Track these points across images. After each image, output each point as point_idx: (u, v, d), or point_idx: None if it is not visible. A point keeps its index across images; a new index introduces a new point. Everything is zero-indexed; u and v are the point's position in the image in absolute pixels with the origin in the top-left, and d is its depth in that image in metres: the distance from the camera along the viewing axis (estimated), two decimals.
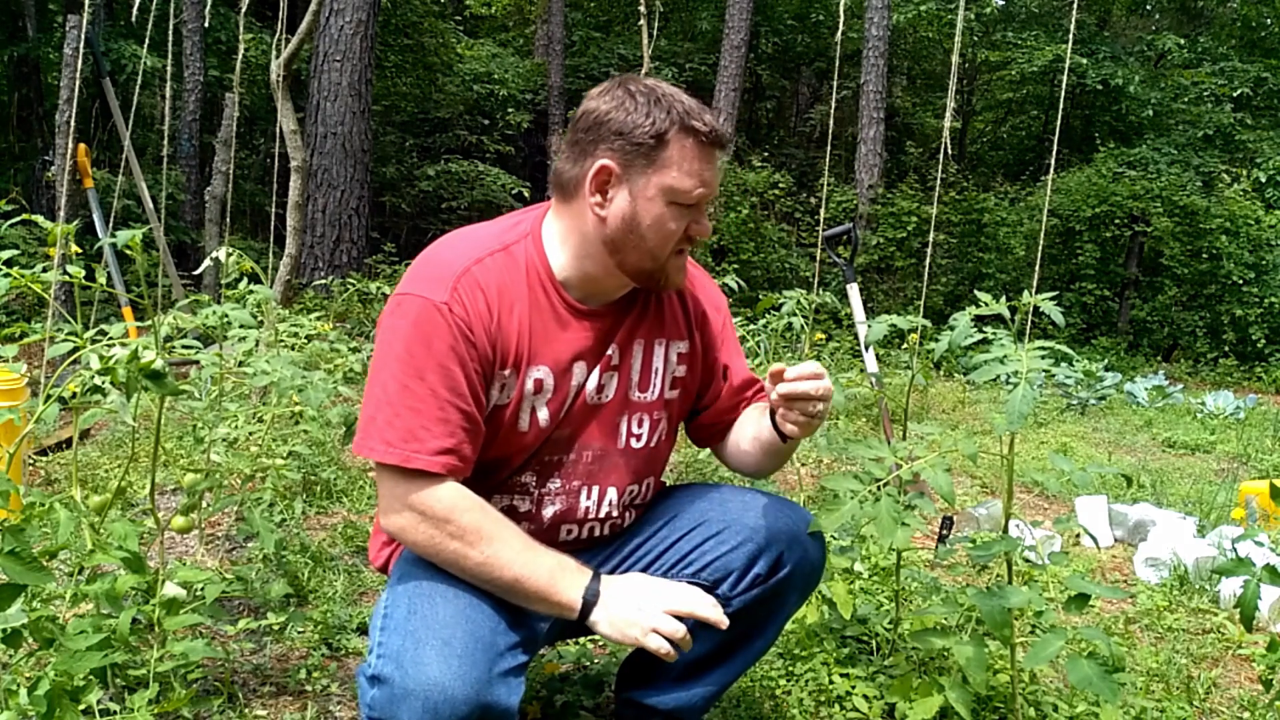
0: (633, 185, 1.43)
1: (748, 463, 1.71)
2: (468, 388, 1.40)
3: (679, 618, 1.39)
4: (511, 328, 1.45)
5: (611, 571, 1.64)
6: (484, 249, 1.47)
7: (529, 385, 1.48)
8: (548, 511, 1.56)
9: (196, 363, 2.36)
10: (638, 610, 1.38)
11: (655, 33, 4.74)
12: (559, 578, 1.39)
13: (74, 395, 1.70)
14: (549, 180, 1.53)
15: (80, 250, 2.11)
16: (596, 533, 1.62)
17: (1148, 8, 17.98)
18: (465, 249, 1.46)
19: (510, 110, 13.98)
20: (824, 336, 7.49)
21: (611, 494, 1.60)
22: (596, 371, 1.53)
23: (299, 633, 2.24)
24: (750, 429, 1.69)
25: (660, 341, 1.60)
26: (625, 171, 1.42)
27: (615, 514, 1.62)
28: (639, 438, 1.60)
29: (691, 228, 1.47)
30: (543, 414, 1.50)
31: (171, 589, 1.87)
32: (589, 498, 1.58)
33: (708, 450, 1.85)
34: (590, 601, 1.39)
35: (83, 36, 5.01)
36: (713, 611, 1.40)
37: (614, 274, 1.49)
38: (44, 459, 3.52)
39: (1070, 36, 2.89)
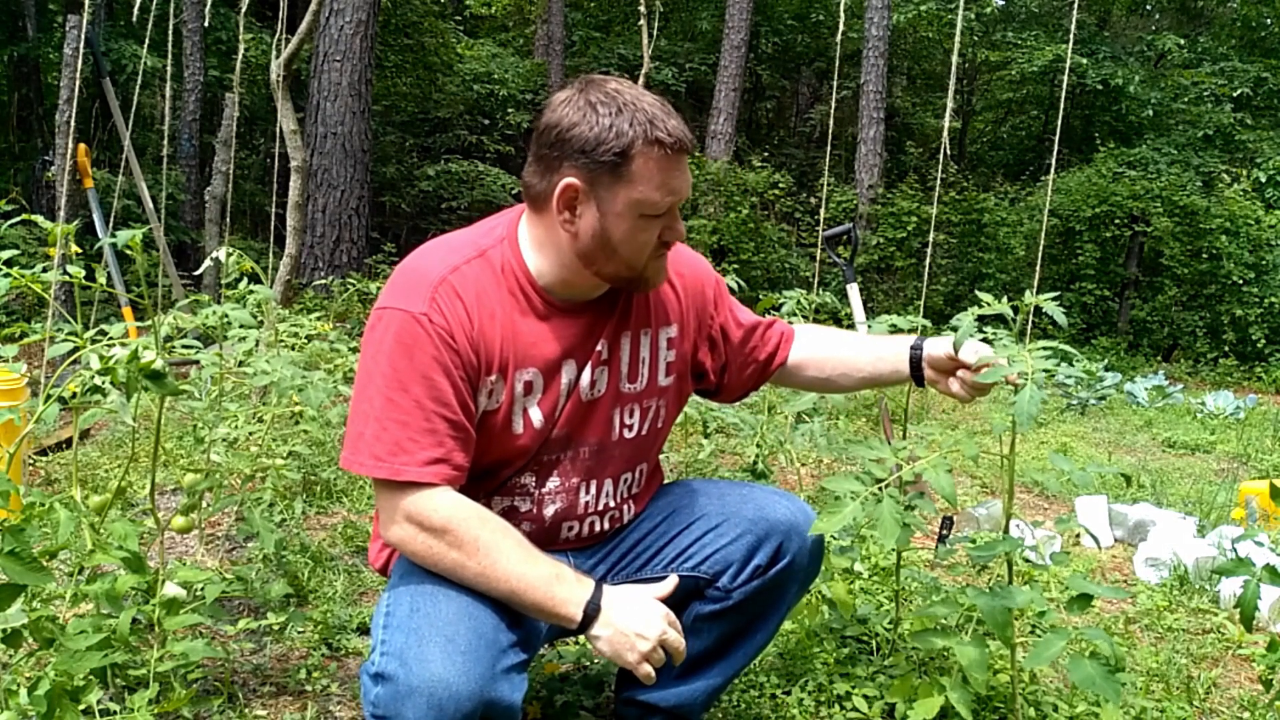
0: (600, 201, 1.41)
1: (836, 388, 1.80)
2: (454, 396, 1.39)
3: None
4: (494, 333, 1.44)
5: (612, 568, 1.66)
6: (460, 256, 1.46)
7: (518, 388, 1.48)
8: (548, 510, 1.57)
9: (196, 363, 2.37)
10: (637, 637, 1.39)
11: (655, 33, 4.74)
12: (558, 590, 1.38)
13: (74, 395, 1.70)
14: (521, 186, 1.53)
15: (80, 250, 2.11)
16: (597, 527, 1.63)
17: (1148, 8, 17.98)
18: (441, 257, 1.46)
19: (510, 110, 13.98)
20: None
21: (608, 485, 1.61)
22: (588, 368, 1.53)
23: (299, 633, 2.24)
24: (858, 366, 1.73)
25: (647, 331, 1.59)
26: (591, 188, 1.40)
27: (613, 504, 1.63)
28: (630, 427, 1.60)
29: (665, 233, 1.46)
30: (535, 415, 1.50)
31: (171, 589, 1.87)
32: (588, 493, 1.59)
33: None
34: (591, 615, 1.39)
35: (83, 36, 5.01)
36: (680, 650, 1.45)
37: (592, 280, 1.49)
38: (44, 459, 3.52)
39: (1070, 36, 2.89)
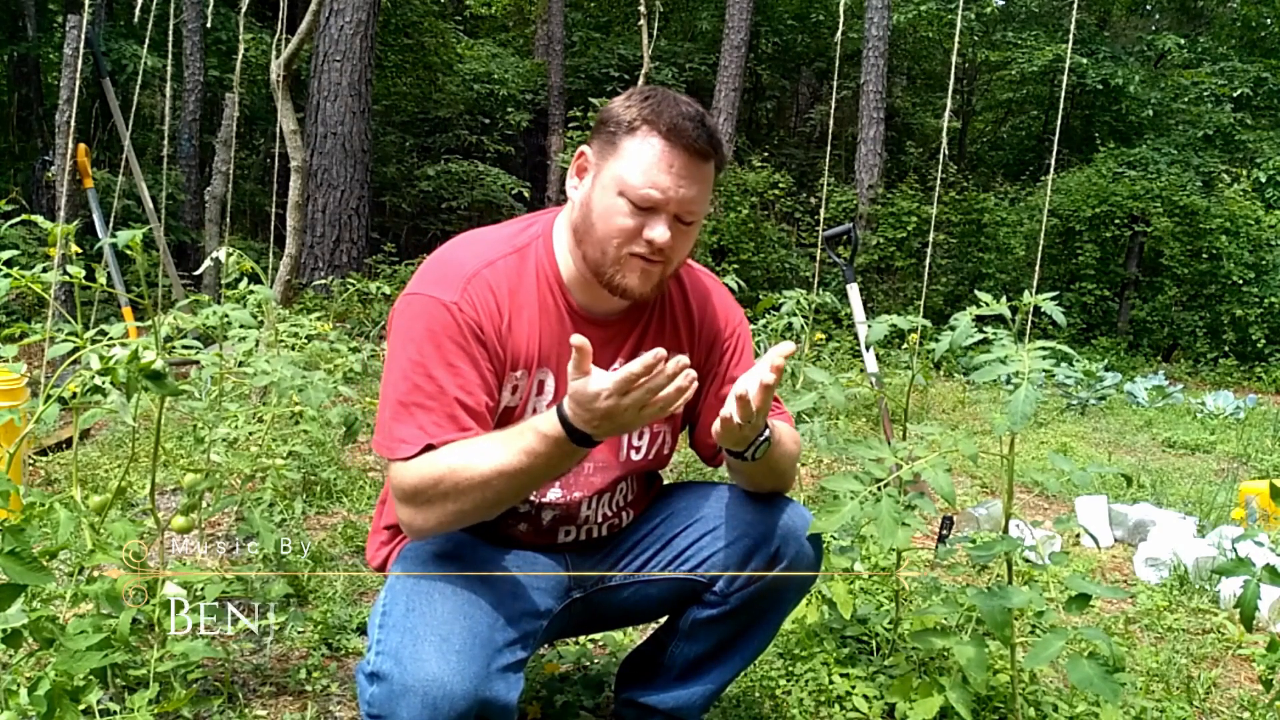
0: (598, 171, 1.44)
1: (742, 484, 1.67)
2: (479, 385, 1.40)
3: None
4: (521, 330, 1.45)
5: (610, 569, 1.66)
6: (496, 252, 1.47)
7: (535, 388, 1.48)
8: (547, 515, 1.58)
9: (196, 363, 2.36)
10: (607, 399, 1.27)
11: (655, 33, 4.74)
12: (529, 436, 1.31)
13: (74, 395, 1.70)
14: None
15: (80, 250, 2.10)
16: (595, 534, 1.64)
17: (1148, 8, 17.98)
18: (478, 250, 1.47)
19: (510, 110, 13.97)
20: (824, 336, 7.49)
21: (608, 497, 1.62)
22: None
23: (299, 633, 2.24)
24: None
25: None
26: (598, 159, 1.44)
27: (611, 513, 1.64)
28: (638, 449, 1.61)
29: (645, 232, 1.40)
30: None
31: (171, 589, 1.86)
32: (589, 507, 1.60)
33: None
34: (566, 419, 1.29)
35: (83, 36, 5.01)
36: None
37: (586, 269, 1.47)
38: (44, 459, 3.52)
39: (1070, 36, 2.89)
